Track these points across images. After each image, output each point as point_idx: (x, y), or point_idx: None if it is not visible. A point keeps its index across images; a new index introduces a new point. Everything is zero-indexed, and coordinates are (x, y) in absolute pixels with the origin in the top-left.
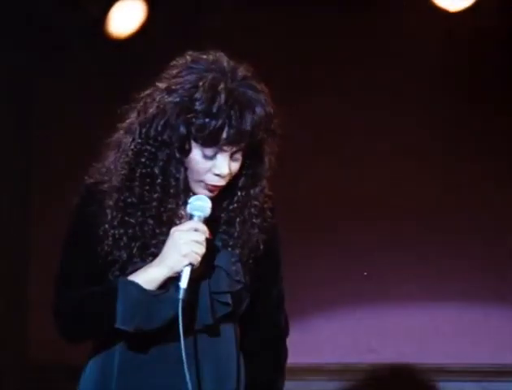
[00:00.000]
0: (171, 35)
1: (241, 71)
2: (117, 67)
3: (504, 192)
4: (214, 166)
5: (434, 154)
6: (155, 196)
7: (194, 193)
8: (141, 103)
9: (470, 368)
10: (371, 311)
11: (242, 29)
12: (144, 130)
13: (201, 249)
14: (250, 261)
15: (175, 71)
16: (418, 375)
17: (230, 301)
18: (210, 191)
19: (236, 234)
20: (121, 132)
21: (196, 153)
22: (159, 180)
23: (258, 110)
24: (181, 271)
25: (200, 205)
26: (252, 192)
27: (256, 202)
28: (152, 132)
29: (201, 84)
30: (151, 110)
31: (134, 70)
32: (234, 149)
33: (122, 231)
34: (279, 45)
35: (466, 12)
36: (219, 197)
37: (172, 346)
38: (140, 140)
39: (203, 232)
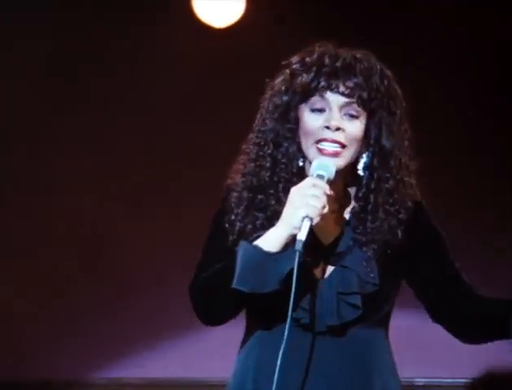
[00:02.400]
0: None
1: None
2: None
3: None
4: (323, 121)
5: None
6: (267, 166)
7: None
8: None
9: None
10: None
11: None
12: (260, 116)
13: (319, 203)
14: (383, 258)
15: None
16: None
17: (359, 303)
18: (326, 155)
19: (368, 224)
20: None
21: (305, 113)
22: (269, 151)
23: (362, 61)
24: (301, 226)
25: (323, 164)
26: (381, 172)
27: (387, 185)
28: (263, 113)
29: (300, 53)
30: (266, 95)
31: None
32: (342, 101)
33: (248, 221)
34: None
35: (231, 29)
36: (348, 190)
37: (304, 347)
38: (256, 127)
39: (321, 187)
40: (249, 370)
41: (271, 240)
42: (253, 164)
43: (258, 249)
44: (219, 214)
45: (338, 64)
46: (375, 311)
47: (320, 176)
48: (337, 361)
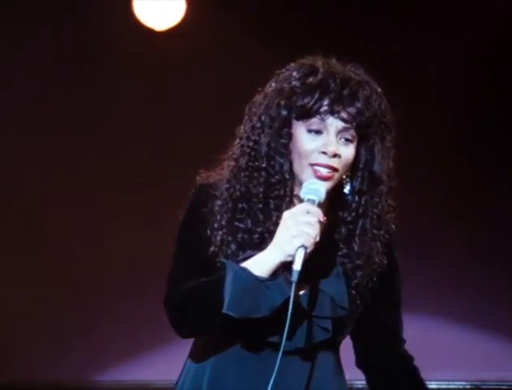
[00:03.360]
0: None
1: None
2: None
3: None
4: (320, 145)
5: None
6: (261, 181)
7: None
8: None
9: None
10: None
11: None
12: (249, 123)
13: (313, 231)
14: (370, 284)
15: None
16: None
17: (330, 327)
18: (320, 179)
19: (356, 248)
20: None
21: (301, 132)
22: (264, 165)
23: (365, 87)
24: (294, 255)
25: (314, 188)
26: (370, 197)
27: (375, 210)
28: (255, 122)
29: (299, 66)
30: (257, 102)
31: None
32: (340, 126)
33: (228, 231)
34: None
35: (172, 32)
36: (336, 212)
37: (262, 362)
38: (245, 134)
39: (315, 214)
40: (205, 376)
41: (261, 265)
42: (242, 173)
43: (249, 273)
44: (192, 218)
45: (345, 92)
46: (341, 334)
47: (311, 201)
48: (299, 381)
